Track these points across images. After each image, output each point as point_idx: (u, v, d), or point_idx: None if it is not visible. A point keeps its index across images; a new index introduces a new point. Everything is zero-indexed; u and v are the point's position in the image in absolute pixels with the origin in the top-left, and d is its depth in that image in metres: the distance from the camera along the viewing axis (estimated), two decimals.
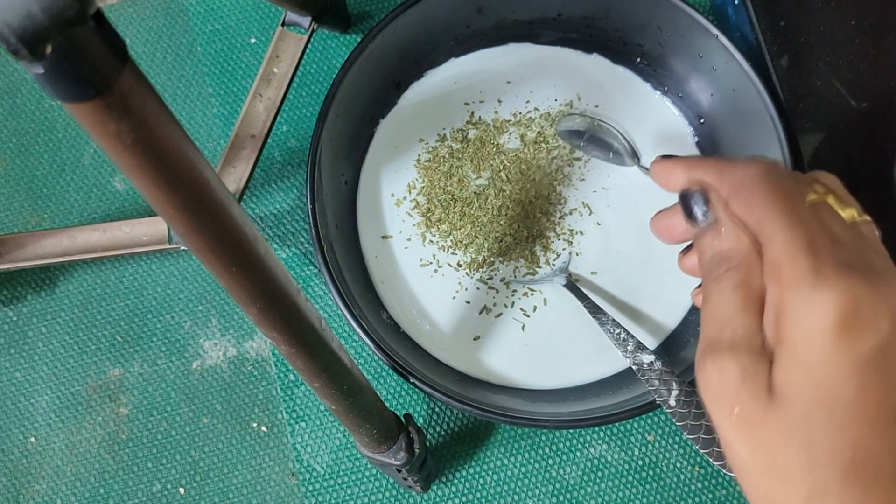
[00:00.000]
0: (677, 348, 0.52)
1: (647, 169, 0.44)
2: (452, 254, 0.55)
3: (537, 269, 0.55)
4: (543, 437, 0.54)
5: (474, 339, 0.54)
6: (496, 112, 0.58)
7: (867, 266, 0.24)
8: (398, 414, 0.44)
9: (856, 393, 0.23)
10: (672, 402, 0.44)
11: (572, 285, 0.53)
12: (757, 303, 0.26)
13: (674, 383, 0.45)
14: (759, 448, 0.24)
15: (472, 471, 0.54)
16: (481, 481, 0.54)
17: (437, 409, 0.55)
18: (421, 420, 0.55)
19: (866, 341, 0.23)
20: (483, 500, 0.54)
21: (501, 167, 0.56)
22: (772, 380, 0.24)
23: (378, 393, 0.41)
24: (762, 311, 0.26)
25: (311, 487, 0.54)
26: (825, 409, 0.23)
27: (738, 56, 0.50)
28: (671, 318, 0.54)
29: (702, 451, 0.42)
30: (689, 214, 0.30)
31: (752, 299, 0.26)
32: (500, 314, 0.54)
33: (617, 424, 0.54)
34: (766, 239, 0.26)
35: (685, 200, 0.30)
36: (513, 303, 0.54)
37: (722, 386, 0.25)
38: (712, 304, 0.27)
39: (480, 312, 0.54)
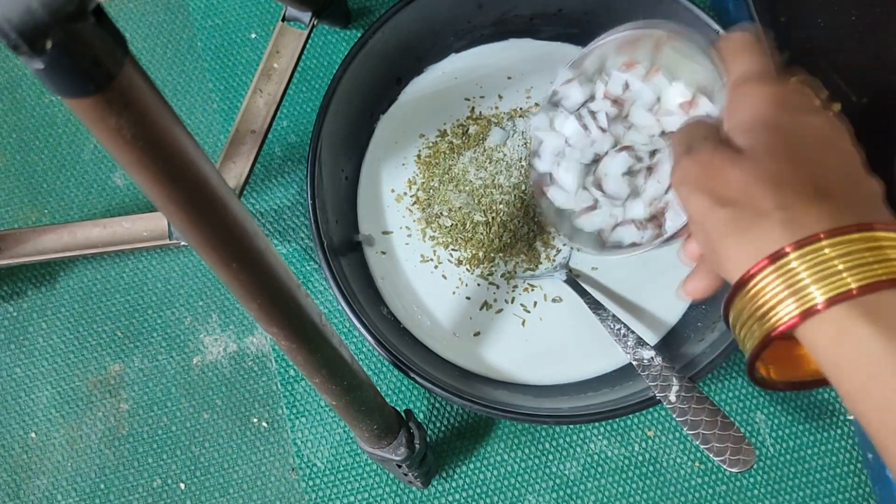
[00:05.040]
0: (677, 344, 0.52)
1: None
2: (453, 250, 0.55)
3: (538, 265, 0.55)
4: (544, 433, 0.54)
5: (475, 335, 0.54)
6: (497, 107, 0.58)
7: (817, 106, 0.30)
8: (398, 409, 0.44)
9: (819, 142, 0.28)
10: (672, 398, 0.44)
11: (573, 281, 0.52)
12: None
13: (674, 379, 0.45)
14: (733, 192, 0.27)
15: (472, 466, 0.54)
16: (482, 477, 0.54)
17: (437, 405, 0.55)
18: (421, 415, 0.55)
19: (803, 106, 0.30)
20: (483, 496, 0.54)
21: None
22: (735, 148, 0.28)
23: (378, 388, 0.41)
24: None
25: (311, 483, 0.54)
26: (786, 152, 0.27)
27: None
28: (671, 314, 0.54)
29: (702, 446, 0.42)
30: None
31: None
32: (501, 310, 0.54)
33: (617, 420, 0.54)
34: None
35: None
36: (513, 298, 0.54)
37: (697, 165, 0.28)
38: (682, 134, 0.31)
39: (481, 308, 0.54)
